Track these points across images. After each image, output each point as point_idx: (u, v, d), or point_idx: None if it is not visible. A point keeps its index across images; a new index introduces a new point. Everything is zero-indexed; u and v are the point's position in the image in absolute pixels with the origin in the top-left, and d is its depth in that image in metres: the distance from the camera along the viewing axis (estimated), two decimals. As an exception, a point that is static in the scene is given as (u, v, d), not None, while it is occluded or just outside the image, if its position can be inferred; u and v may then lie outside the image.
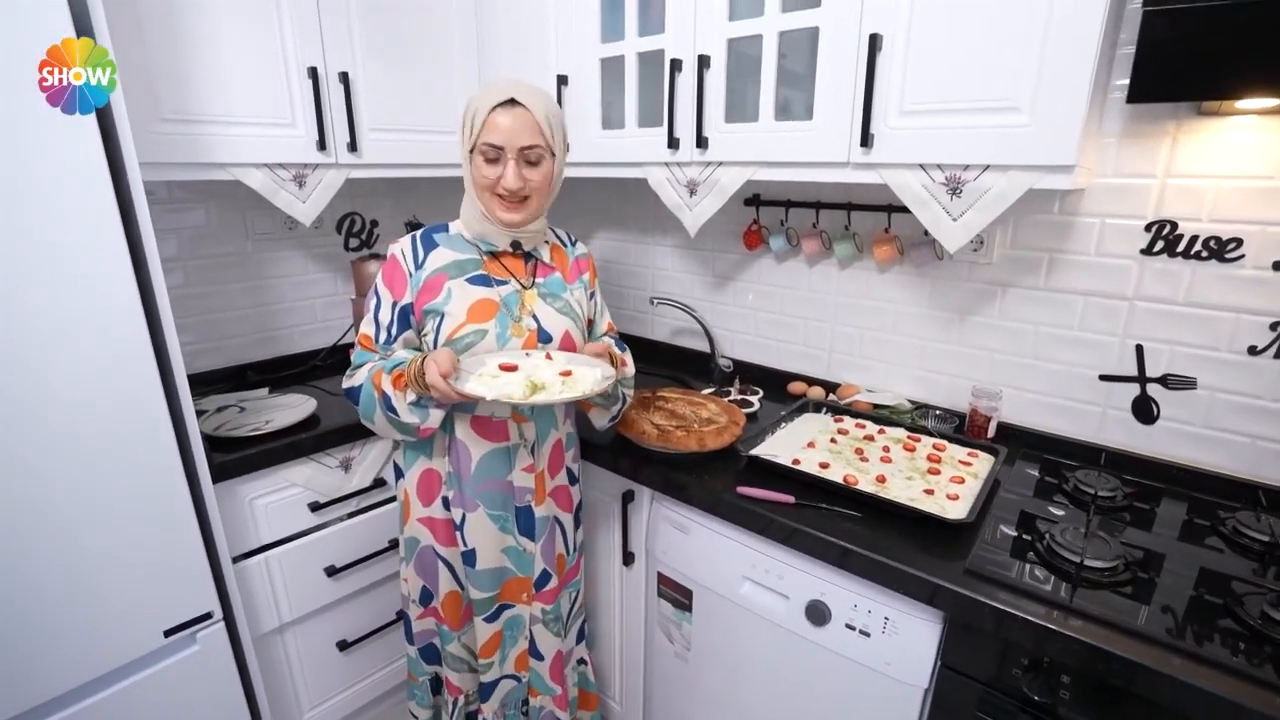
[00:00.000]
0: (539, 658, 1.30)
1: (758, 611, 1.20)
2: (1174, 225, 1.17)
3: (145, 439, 1.10)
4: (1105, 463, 1.27)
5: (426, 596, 1.28)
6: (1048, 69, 0.96)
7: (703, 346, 1.87)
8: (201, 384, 1.61)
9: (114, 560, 1.10)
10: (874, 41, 1.08)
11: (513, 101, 1.05)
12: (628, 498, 1.37)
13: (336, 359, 1.86)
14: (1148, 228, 1.19)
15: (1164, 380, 1.23)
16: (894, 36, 1.08)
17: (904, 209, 1.33)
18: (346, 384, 1.14)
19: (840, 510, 1.12)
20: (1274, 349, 1.13)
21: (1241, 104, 1.05)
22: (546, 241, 1.24)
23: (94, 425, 1.04)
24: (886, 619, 1.04)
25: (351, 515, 1.52)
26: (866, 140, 1.13)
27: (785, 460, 1.25)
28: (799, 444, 1.33)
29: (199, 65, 1.30)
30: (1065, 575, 0.96)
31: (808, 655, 1.15)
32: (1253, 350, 1.14)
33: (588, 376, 1.07)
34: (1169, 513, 1.15)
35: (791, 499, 1.15)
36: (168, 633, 1.19)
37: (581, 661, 1.46)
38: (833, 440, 1.35)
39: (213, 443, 1.33)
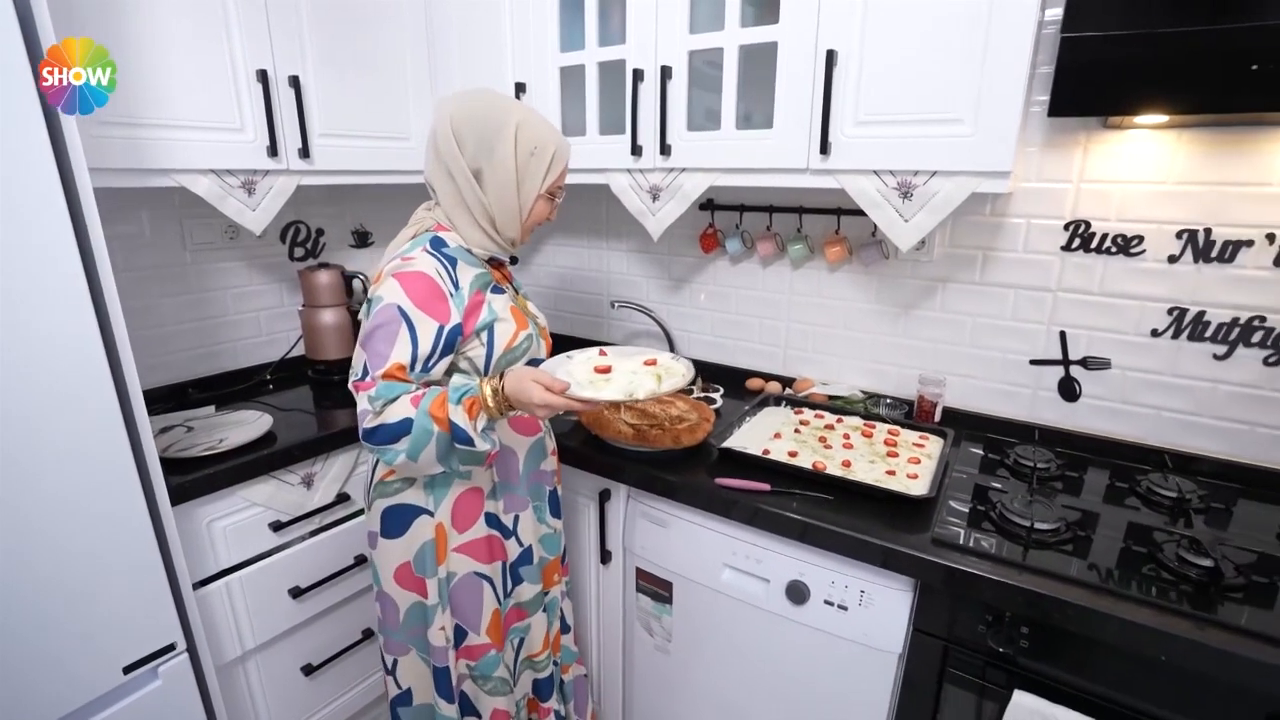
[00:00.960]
0: (566, 630, 1.38)
1: (739, 597, 1.26)
2: (1088, 224, 1.31)
3: (103, 461, 1.04)
4: (1039, 438, 1.40)
5: (461, 634, 1.18)
6: (986, 85, 1.07)
7: (661, 348, 1.91)
8: (141, 404, 1.52)
9: (71, 593, 1.03)
10: (830, 57, 1.17)
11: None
12: (604, 497, 1.40)
13: (286, 373, 1.79)
14: (1066, 227, 1.33)
15: (1084, 362, 1.37)
16: (848, 53, 1.16)
17: (853, 212, 1.44)
18: (375, 422, 0.96)
19: (813, 494, 1.19)
20: (1171, 331, 1.29)
21: (1139, 119, 1.20)
22: None
23: (48, 448, 0.97)
24: (862, 592, 1.12)
25: (314, 533, 1.47)
26: (825, 148, 1.21)
27: (756, 451, 1.32)
28: (766, 436, 1.40)
29: (141, 66, 1.23)
30: (1018, 539, 1.07)
31: (789, 634, 1.21)
32: (1155, 333, 1.30)
33: (669, 362, 1.11)
34: (1094, 479, 1.29)
35: (768, 487, 1.21)
36: (128, 669, 1.12)
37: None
38: (797, 430, 1.43)
39: (164, 465, 1.26)
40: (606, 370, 1.08)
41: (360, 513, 1.53)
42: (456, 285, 1.06)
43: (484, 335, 1.09)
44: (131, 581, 1.10)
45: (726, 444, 1.34)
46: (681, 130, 1.39)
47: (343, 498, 1.50)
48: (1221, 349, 1.25)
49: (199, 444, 1.37)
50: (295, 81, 1.43)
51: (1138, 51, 1.03)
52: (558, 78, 1.54)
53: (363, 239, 1.94)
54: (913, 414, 1.52)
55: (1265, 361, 1.22)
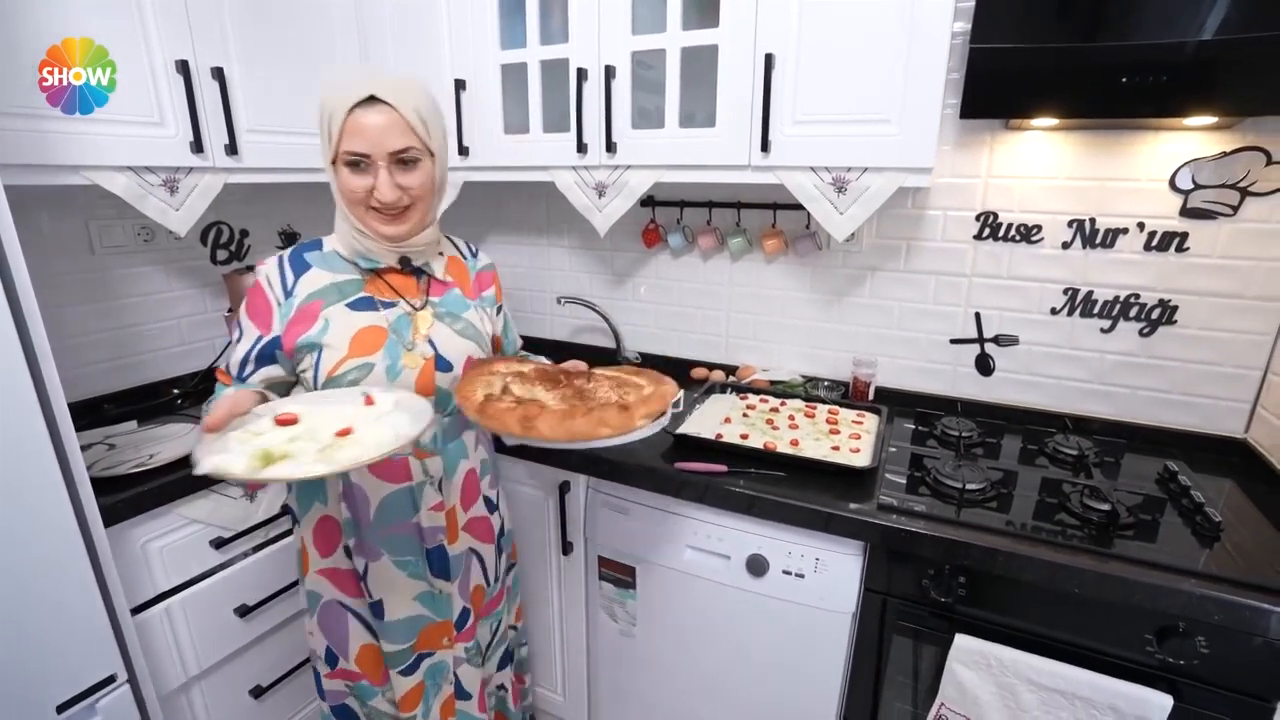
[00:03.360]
0: (465, 697, 1.21)
1: (701, 574, 1.31)
2: (996, 215, 1.46)
3: (31, 482, 0.96)
4: (961, 411, 1.54)
5: (332, 658, 1.15)
6: (909, 89, 1.18)
7: (606, 342, 1.95)
8: (51, 422, 1.39)
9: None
10: (769, 60, 1.24)
11: (373, 99, 0.91)
12: (564, 489, 1.42)
13: (211, 383, 1.69)
14: (977, 218, 1.47)
15: (996, 339, 1.52)
16: (785, 56, 1.24)
17: (789, 206, 1.52)
18: None
19: (766, 473, 1.27)
20: (1067, 309, 1.45)
21: (1035, 122, 1.34)
22: (441, 253, 1.12)
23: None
24: (817, 559, 1.20)
25: (259, 548, 1.41)
26: (766, 146, 1.29)
27: (710, 435, 1.38)
28: (717, 421, 1.47)
29: (41, 51, 1.13)
30: (951, 499, 1.18)
31: (750, 605, 1.28)
32: (1053, 311, 1.46)
33: (371, 438, 0.82)
34: (1010, 442, 1.44)
35: (724, 468, 1.27)
36: (62, 707, 1.04)
37: (501, 687, 1.37)
38: (745, 415, 1.50)
39: (93, 484, 1.17)
40: (291, 420, 0.85)
41: (307, 523, 1.47)
42: (289, 293, 0.98)
43: (313, 354, 0.97)
44: (65, 612, 1.03)
45: (681, 430, 1.39)
46: (626, 128, 1.43)
47: (288, 509, 1.45)
48: (1107, 323, 1.43)
49: (126, 461, 1.28)
50: (219, 74, 1.36)
51: (1032, 62, 1.16)
52: (499, 75, 1.54)
53: (290, 240, 1.85)
54: (849, 394, 1.63)
55: (1140, 333, 1.40)
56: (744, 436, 1.38)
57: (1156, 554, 1.03)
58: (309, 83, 1.55)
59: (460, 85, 1.56)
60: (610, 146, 1.44)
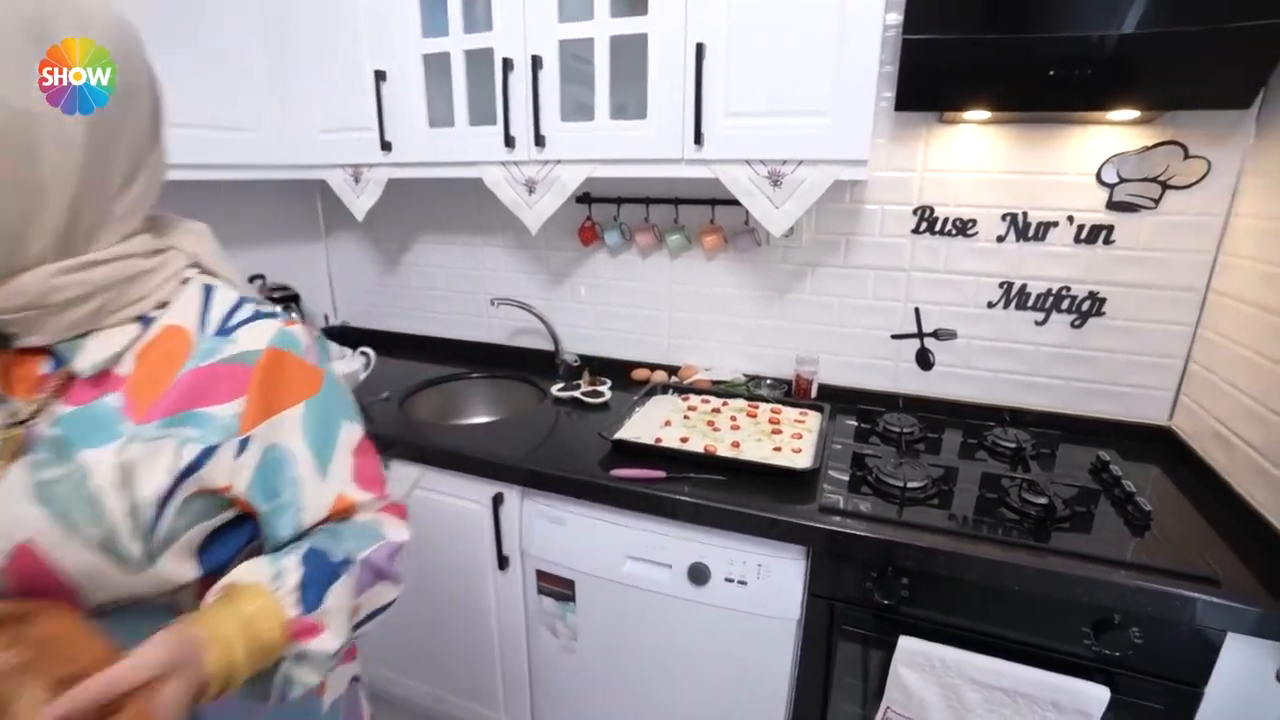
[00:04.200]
0: None
1: (643, 586, 1.26)
2: (932, 209, 1.45)
3: None
4: (902, 406, 1.54)
5: None
6: (843, 80, 1.15)
7: (544, 345, 1.88)
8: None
9: None
10: (700, 50, 1.20)
11: None
12: (498, 501, 1.35)
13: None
14: (914, 212, 1.46)
15: (935, 334, 1.52)
16: (716, 47, 1.20)
17: (727, 201, 1.48)
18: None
19: (706, 477, 1.22)
20: (1003, 302, 1.46)
21: (967, 115, 1.34)
22: (143, 318, 0.60)
23: None
24: (760, 565, 1.16)
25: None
26: (699, 139, 1.24)
27: (649, 440, 1.33)
28: (657, 424, 1.42)
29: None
30: (893, 498, 1.16)
31: (693, 615, 1.23)
32: (990, 304, 1.47)
33: None
34: (951, 437, 1.44)
35: (663, 474, 1.22)
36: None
37: None
38: (685, 416, 1.46)
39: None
40: None
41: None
42: None
43: None
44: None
45: (619, 435, 1.34)
46: (555, 121, 1.36)
47: None
48: (1040, 316, 1.44)
49: None
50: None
51: (962, 54, 1.15)
52: (421, 66, 1.45)
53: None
54: (791, 393, 1.61)
55: (1072, 325, 1.42)
56: (684, 440, 1.33)
57: (1092, 546, 1.03)
58: (218, 70, 1.43)
59: (380, 76, 1.47)
60: (539, 140, 1.37)
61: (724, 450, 1.29)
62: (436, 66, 1.45)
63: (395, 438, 1.43)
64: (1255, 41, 1.02)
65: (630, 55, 1.29)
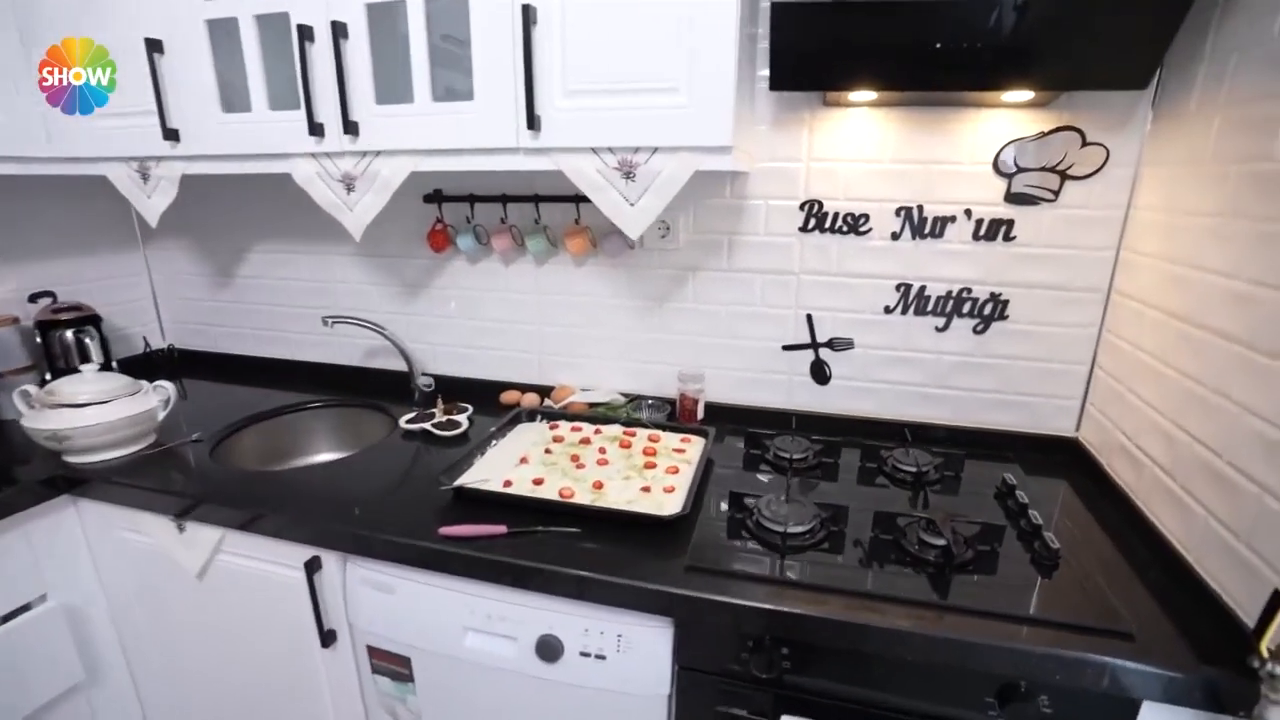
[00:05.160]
0: None
1: (487, 662, 1.05)
2: (820, 204, 1.29)
3: None
4: (796, 425, 1.37)
5: None
6: (697, 49, 0.96)
7: (398, 365, 1.63)
8: None
9: None
10: (528, 13, 0.98)
11: None
12: (312, 567, 1.10)
13: None
14: (801, 207, 1.30)
15: (831, 344, 1.36)
16: (549, 10, 0.99)
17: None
18: None
19: (558, 530, 1.02)
20: (900, 307, 1.31)
21: (853, 96, 1.18)
22: None
23: None
24: (619, 636, 0.96)
25: None
26: (533, 122, 1.03)
27: (496, 484, 1.11)
28: (511, 462, 1.20)
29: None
30: (774, 546, 0.99)
31: (546, 695, 1.03)
32: (887, 309, 1.32)
33: None
34: (848, 460, 1.28)
35: (504, 529, 1.01)
36: None
37: None
38: (547, 451, 1.25)
39: None
40: None
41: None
42: None
43: None
44: None
45: (461, 481, 1.12)
46: (369, 104, 1.13)
47: None
48: (941, 321, 1.30)
49: None
50: None
51: (839, 24, 0.99)
52: (205, 34, 1.18)
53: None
54: (675, 415, 1.42)
55: (974, 330, 1.29)
56: (538, 481, 1.12)
57: (995, 596, 0.89)
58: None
59: (154, 47, 1.19)
60: (350, 127, 1.13)
61: (583, 494, 1.09)
62: (225, 36, 1.18)
63: (198, 493, 1.17)
64: (1150, 16, 0.89)
65: (452, 21, 1.06)
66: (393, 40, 1.10)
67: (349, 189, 1.20)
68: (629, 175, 1.05)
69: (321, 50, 1.11)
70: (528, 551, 0.97)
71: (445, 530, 1.01)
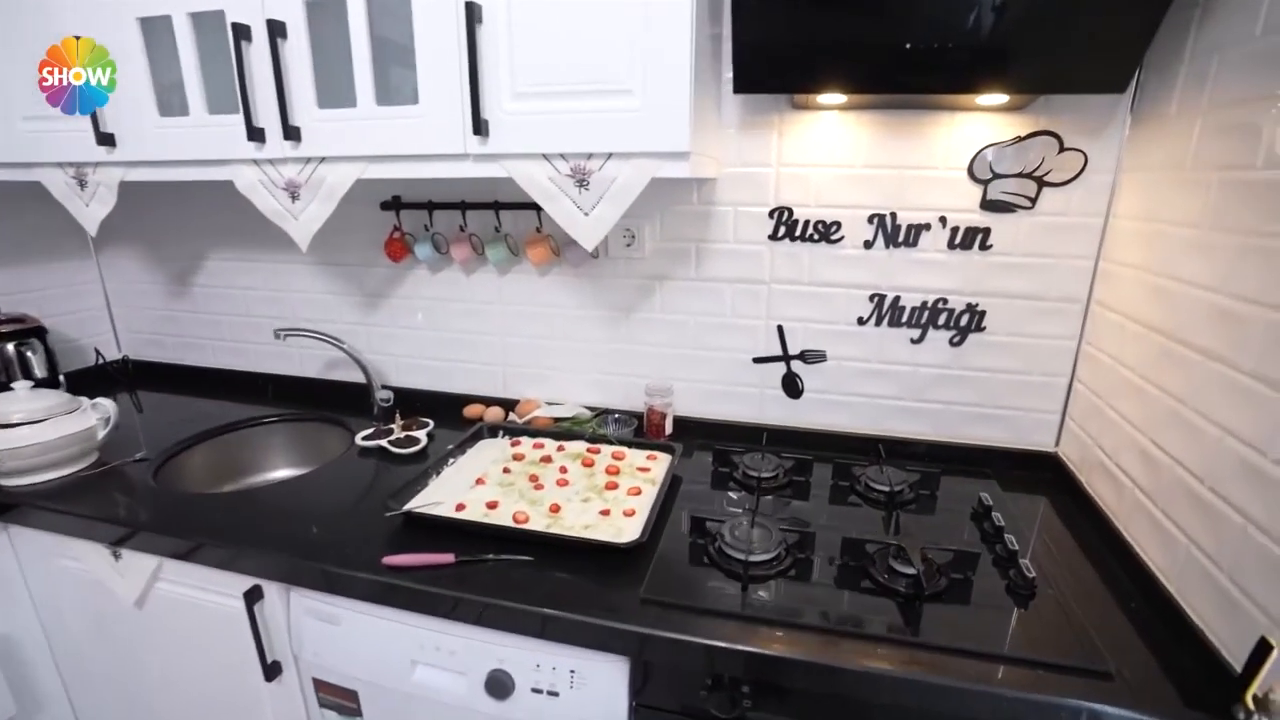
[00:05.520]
0: None
1: (436, 698, 0.99)
2: (790, 211, 1.24)
3: None
4: (767, 440, 1.31)
5: None
6: (651, 50, 0.91)
7: (356, 377, 1.56)
8: None
9: None
10: (471, 11, 0.93)
11: None
12: (253, 596, 1.04)
13: None
14: (771, 214, 1.24)
15: (803, 356, 1.31)
16: (495, 8, 0.93)
17: (550, 206, 1.22)
18: None
19: (510, 557, 0.96)
20: (874, 318, 1.26)
21: (822, 99, 1.13)
22: None
23: None
24: (573, 672, 0.91)
25: None
26: (480, 127, 0.97)
27: (448, 509, 1.06)
28: (467, 483, 1.15)
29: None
30: (736, 576, 0.94)
31: (499, 734, 0.97)
32: (861, 320, 1.27)
33: None
34: (819, 477, 1.23)
35: (452, 558, 0.95)
36: None
37: None
38: (506, 470, 1.19)
39: None
40: None
41: None
42: None
43: None
44: None
45: (410, 506, 1.06)
46: (311, 108, 1.07)
47: None
48: (917, 333, 1.25)
49: None
50: None
51: (803, 21, 0.93)
52: (139, 33, 1.12)
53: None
54: (644, 427, 1.37)
55: (951, 342, 1.24)
56: (492, 505, 1.07)
57: (966, 632, 0.83)
58: None
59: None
60: (291, 132, 1.07)
61: (538, 519, 1.03)
62: (158, 35, 1.12)
63: (134, 519, 1.10)
64: (1129, 15, 0.84)
65: (396, 21, 1.00)
66: (334, 41, 1.04)
67: (293, 197, 1.14)
68: (582, 183, 0.99)
69: (259, 51, 1.04)
70: (476, 582, 0.92)
71: (389, 560, 0.95)
